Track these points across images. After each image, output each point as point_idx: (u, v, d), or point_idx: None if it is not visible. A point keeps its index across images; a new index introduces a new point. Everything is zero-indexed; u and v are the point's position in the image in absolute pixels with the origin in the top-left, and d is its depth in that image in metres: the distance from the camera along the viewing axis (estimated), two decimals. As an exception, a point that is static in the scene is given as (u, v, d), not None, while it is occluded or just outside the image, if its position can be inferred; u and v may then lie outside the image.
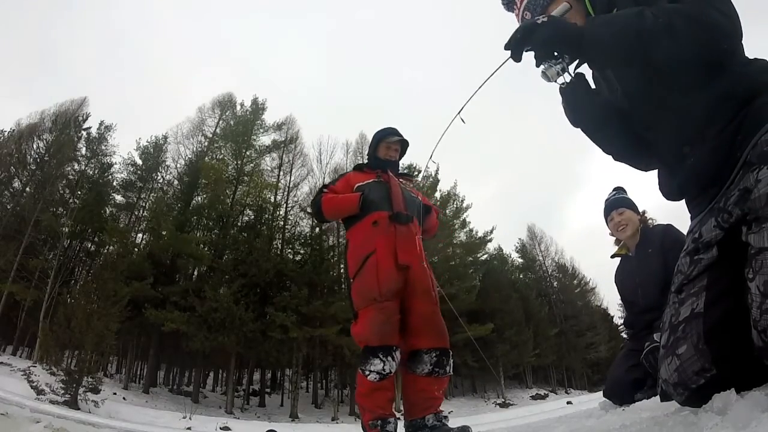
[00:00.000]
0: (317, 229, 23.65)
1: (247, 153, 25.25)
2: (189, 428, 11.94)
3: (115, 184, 24.04)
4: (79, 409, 12.13)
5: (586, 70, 1.19)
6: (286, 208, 24.55)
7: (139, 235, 22.98)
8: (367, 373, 1.88)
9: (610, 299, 32.88)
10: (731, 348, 0.87)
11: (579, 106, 1.16)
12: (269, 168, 25.66)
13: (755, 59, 0.99)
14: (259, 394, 22.84)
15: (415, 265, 2.07)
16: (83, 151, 23.72)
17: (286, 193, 24.89)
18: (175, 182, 24.11)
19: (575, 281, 34.55)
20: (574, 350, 29.74)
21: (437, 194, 25.44)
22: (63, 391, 12.89)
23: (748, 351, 0.82)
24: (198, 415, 15.23)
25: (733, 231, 0.89)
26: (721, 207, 0.94)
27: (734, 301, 0.86)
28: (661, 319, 1.11)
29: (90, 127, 24.19)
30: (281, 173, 25.39)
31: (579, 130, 1.21)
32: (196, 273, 22.18)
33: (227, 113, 26.40)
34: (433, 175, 25.80)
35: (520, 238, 35.94)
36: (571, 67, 1.11)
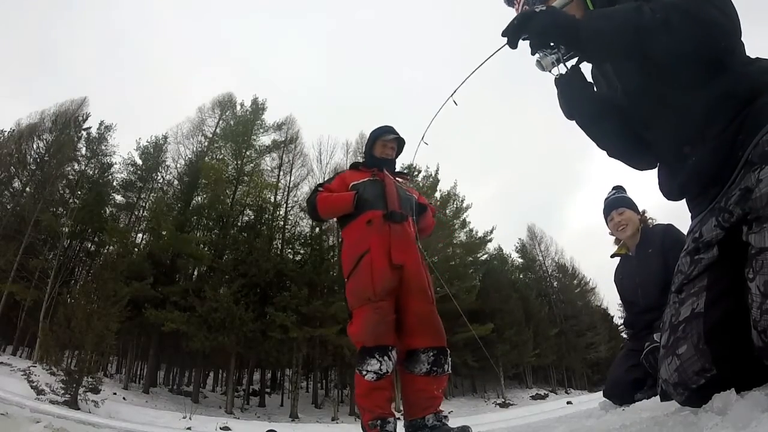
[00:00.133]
0: (317, 229, 23.64)
1: (247, 153, 25.25)
2: (189, 428, 11.94)
3: (115, 184, 24.05)
4: (79, 409, 12.13)
5: (585, 68, 1.19)
6: (286, 208, 24.58)
7: (139, 235, 23.00)
8: (365, 373, 1.87)
9: (610, 299, 32.94)
10: (731, 348, 0.86)
11: (574, 98, 1.16)
12: (269, 168, 25.70)
13: (756, 59, 0.98)
14: (259, 394, 22.83)
15: (409, 264, 2.06)
16: (83, 151, 23.74)
17: (286, 193, 24.92)
18: (175, 182, 24.11)
19: (575, 281, 34.56)
20: (574, 350, 29.74)
21: (437, 194, 25.47)
22: (63, 391, 12.89)
23: (748, 351, 0.82)
24: (198, 415, 15.23)
25: (734, 231, 0.89)
26: (721, 207, 0.93)
27: (734, 301, 0.86)
28: (661, 319, 1.11)
29: (90, 127, 24.22)
30: (281, 173, 25.42)
31: (575, 124, 1.21)
32: (196, 273, 22.19)
33: (227, 113, 26.41)
34: (433, 175, 25.86)
35: (520, 238, 36.02)
36: (570, 63, 1.11)
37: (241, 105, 26.70)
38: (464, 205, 26.36)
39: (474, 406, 23.53)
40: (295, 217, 24.40)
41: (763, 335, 0.77)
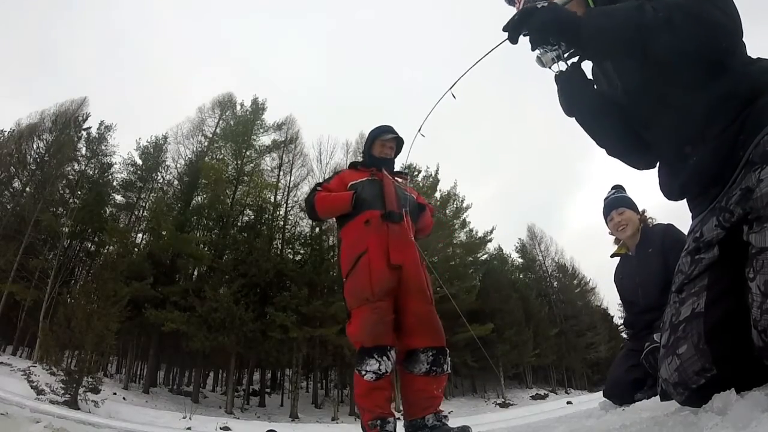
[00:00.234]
0: (317, 229, 23.63)
1: (247, 153, 25.25)
2: (189, 428, 11.94)
3: (115, 184, 24.05)
4: (79, 409, 12.13)
5: (586, 66, 1.19)
6: (286, 208, 24.56)
7: (139, 235, 23.01)
8: (364, 373, 1.87)
9: (610, 299, 32.94)
10: (732, 348, 0.86)
11: (574, 94, 1.16)
12: (269, 168, 25.69)
13: (758, 59, 0.98)
14: (259, 394, 22.83)
15: (407, 264, 2.05)
16: (83, 151, 23.74)
17: (286, 193, 24.91)
18: (175, 182, 24.11)
19: (575, 281, 34.56)
20: (574, 350, 29.74)
21: (437, 194, 25.48)
22: (63, 391, 12.89)
23: (748, 351, 0.82)
24: (198, 415, 15.23)
25: (735, 230, 0.89)
26: (722, 206, 0.93)
27: (735, 301, 0.86)
28: (662, 319, 1.11)
29: (90, 127, 24.22)
30: (281, 173, 25.42)
31: (575, 122, 1.21)
32: (196, 273, 22.18)
33: (227, 113, 26.41)
34: (433, 175, 25.87)
35: (520, 238, 36.02)
36: (570, 60, 1.11)
37: (241, 105, 26.75)
38: (464, 205, 26.43)
39: (474, 406, 23.53)
40: (295, 217, 24.43)
41: (764, 335, 0.77)
